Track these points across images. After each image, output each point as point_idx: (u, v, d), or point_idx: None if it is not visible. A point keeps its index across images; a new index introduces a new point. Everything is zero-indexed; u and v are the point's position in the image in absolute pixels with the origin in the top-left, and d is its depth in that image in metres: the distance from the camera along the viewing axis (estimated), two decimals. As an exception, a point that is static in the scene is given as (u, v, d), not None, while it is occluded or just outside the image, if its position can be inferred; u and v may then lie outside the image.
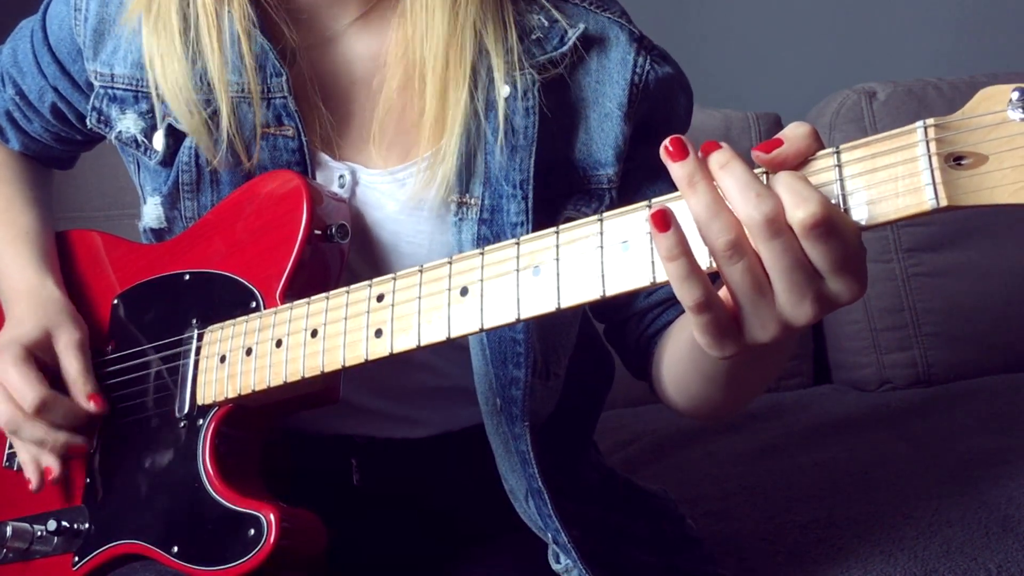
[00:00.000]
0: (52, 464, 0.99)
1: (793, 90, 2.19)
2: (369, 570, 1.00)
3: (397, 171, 0.97)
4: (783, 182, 0.65)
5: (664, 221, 0.66)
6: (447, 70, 0.92)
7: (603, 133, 0.96)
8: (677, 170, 0.66)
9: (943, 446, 1.51)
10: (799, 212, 0.63)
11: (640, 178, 0.98)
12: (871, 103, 1.96)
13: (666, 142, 0.67)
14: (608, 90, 0.96)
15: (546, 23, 0.95)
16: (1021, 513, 1.24)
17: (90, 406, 0.99)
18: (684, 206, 0.67)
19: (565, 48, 0.95)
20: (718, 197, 0.66)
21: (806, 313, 0.66)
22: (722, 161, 0.66)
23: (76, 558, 0.98)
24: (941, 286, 1.90)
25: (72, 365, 1.01)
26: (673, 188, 0.68)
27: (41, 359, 1.01)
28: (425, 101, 0.93)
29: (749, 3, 2.23)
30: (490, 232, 0.93)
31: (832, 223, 0.63)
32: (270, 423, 0.96)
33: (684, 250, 0.66)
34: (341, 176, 0.98)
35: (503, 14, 0.94)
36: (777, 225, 0.64)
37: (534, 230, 0.90)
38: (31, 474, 1.00)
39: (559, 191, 0.96)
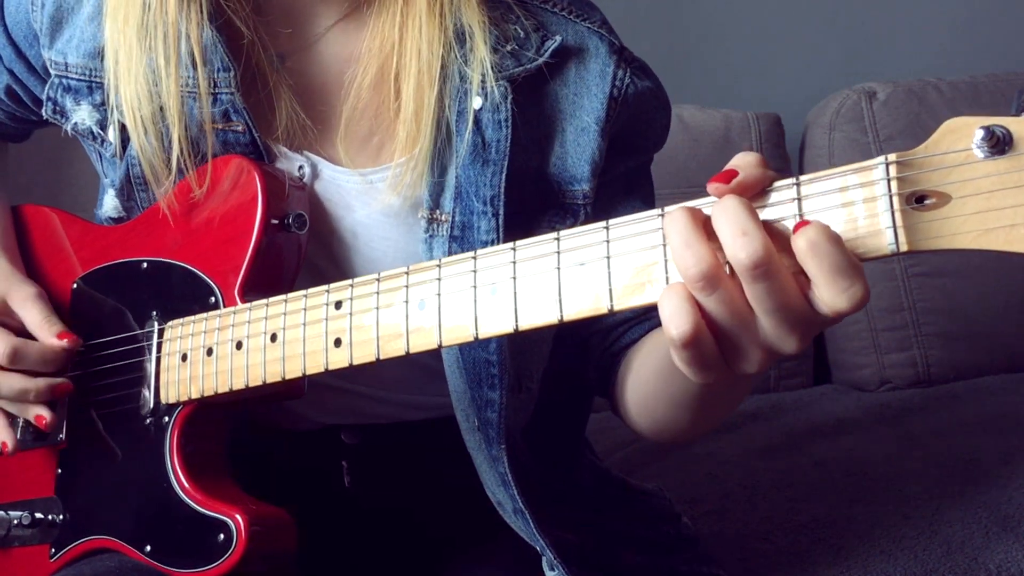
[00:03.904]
0: (43, 413, 0.97)
1: (793, 90, 2.19)
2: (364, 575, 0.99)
3: (368, 173, 0.95)
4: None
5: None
6: (420, 73, 0.90)
7: (579, 147, 0.94)
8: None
9: (943, 446, 1.51)
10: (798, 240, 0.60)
11: (613, 192, 0.97)
12: (871, 103, 1.96)
13: None
14: (586, 103, 0.94)
15: (522, 33, 0.93)
16: (1021, 513, 1.24)
17: (62, 343, 0.98)
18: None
19: (541, 60, 0.92)
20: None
21: (793, 344, 0.63)
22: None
23: (52, 550, 0.98)
24: (941, 286, 1.90)
25: (32, 314, 1.00)
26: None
27: (5, 322, 1.00)
28: (400, 102, 0.92)
29: (749, 3, 2.23)
30: (461, 250, 0.91)
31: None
32: (235, 417, 0.96)
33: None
34: (300, 167, 0.96)
35: (480, 21, 0.91)
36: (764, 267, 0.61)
37: None
38: (6, 436, 0.99)
39: (533, 206, 0.94)
